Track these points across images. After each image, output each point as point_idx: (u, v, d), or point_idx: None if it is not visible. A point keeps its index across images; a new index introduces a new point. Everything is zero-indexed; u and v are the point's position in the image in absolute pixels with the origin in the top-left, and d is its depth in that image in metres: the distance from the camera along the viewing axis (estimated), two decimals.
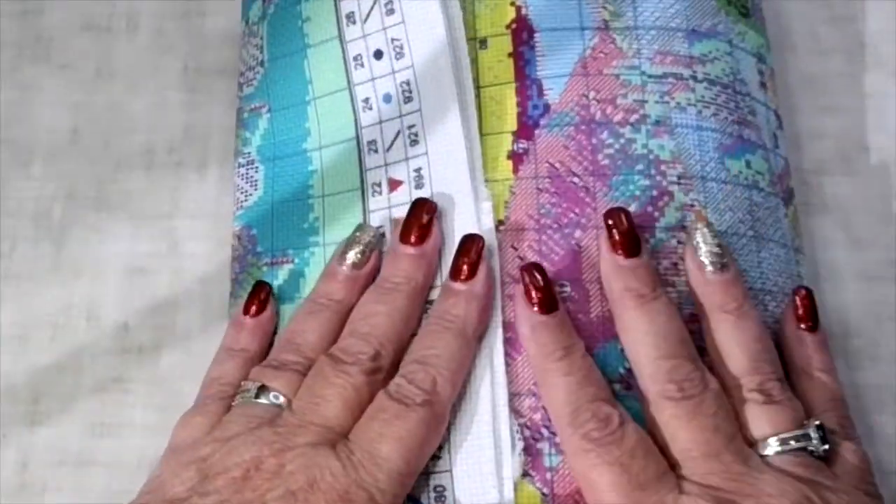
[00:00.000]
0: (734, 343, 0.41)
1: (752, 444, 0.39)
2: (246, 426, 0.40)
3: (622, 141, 0.44)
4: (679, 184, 0.43)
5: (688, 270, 0.42)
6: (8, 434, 0.50)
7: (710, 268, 0.42)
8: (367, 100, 0.47)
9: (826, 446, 0.40)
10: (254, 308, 0.46)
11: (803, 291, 0.44)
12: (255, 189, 0.50)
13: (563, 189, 0.43)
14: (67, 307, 0.52)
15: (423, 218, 0.43)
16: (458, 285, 0.42)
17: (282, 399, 0.41)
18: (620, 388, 0.41)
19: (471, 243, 0.42)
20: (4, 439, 0.50)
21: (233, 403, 0.43)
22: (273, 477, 0.37)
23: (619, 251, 0.41)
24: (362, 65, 0.48)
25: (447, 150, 0.44)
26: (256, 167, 0.50)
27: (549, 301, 0.41)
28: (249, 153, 0.50)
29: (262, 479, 0.38)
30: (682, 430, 0.39)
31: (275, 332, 0.47)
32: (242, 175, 0.50)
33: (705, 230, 0.42)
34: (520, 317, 0.42)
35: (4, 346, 0.51)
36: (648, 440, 0.39)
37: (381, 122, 0.47)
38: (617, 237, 0.41)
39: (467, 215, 0.44)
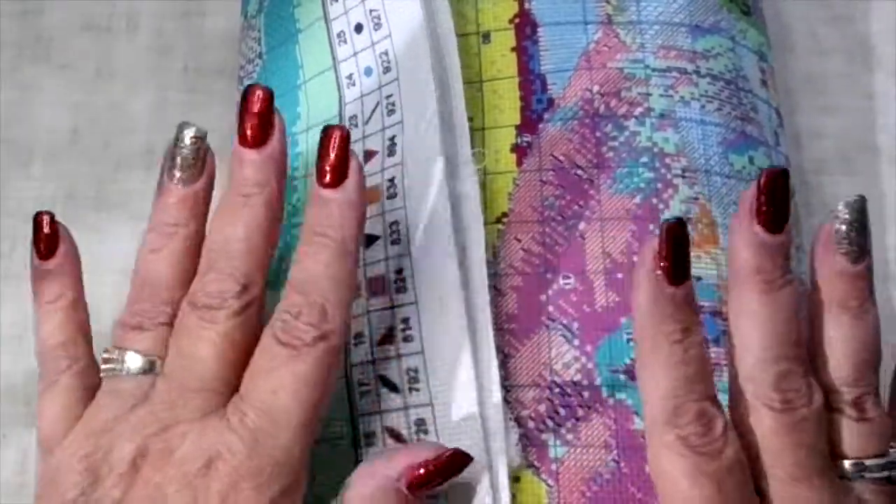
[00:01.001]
0: (842, 347, 0.36)
1: (835, 458, 0.36)
2: (120, 409, 0.36)
3: (626, 134, 0.44)
4: (683, 177, 0.43)
5: (814, 252, 0.36)
6: (8, 434, 0.50)
7: (846, 257, 0.36)
8: (350, 76, 0.47)
9: None
10: (46, 250, 0.40)
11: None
12: None
13: (567, 181, 0.43)
14: None
15: (255, 107, 0.37)
16: (327, 192, 0.37)
17: (149, 363, 0.37)
18: (626, 379, 0.41)
19: (329, 137, 0.37)
20: (4, 439, 0.50)
21: (101, 375, 0.38)
22: (164, 465, 0.34)
23: (763, 222, 0.35)
24: (345, 41, 0.47)
25: (421, 116, 0.43)
26: None
27: (683, 271, 0.35)
28: None
29: (152, 470, 0.34)
30: (777, 446, 0.34)
31: None
32: None
33: (850, 212, 0.36)
34: (641, 282, 0.35)
35: (4, 347, 0.51)
36: (744, 456, 0.35)
37: (362, 96, 0.46)
38: (766, 206, 0.34)
39: (438, 182, 0.42)
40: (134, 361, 0.37)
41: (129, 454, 0.35)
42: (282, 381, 0.35)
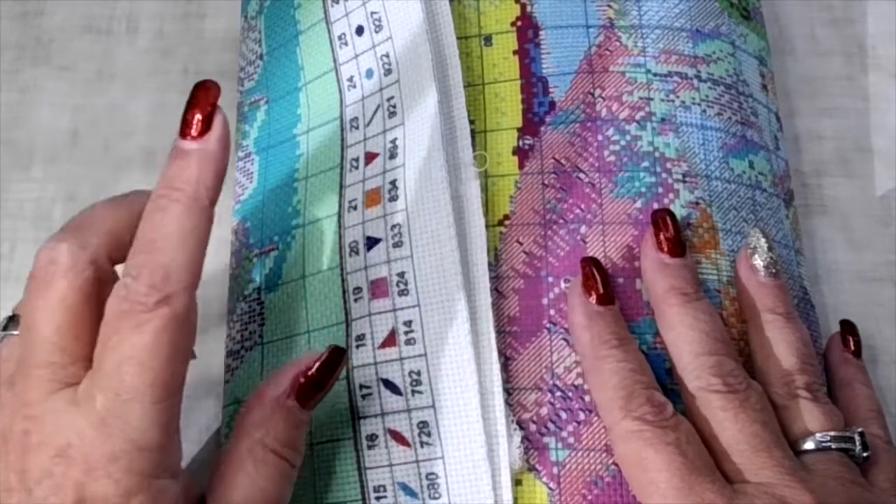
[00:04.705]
0: (784, 342, 0.41)
1: (792, 441, 0.39)
2: None
3: (628, 138, 0.44)
4: (684, 181, 0.43)
5: (740, 272, 0.43)
6: None
7: (766, 271, 0.42)
8: (351, 78, 0.47)
9: (866, 453, 0.40)
10: None
11: (851, 324, 0.47)
12: (251, 181, 0.50)
13: (569, 185, 0.43)
14: None
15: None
16: (187, 143, 0.35)
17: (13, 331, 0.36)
18: None
19: (202, 92, 0.36)
20: None
21: None
22: (24, 452, 0.33)
23: (665, 250, 0.41)
24: (346, 43, 0.47)
25: (422, 119, 0.43)
26: (252, 159, 0.50)
27: (608, 294, 0.41)
28: (247, 146, 0.50)
29: (14, 455, 0.33)
30: (730, 421, 0.38)
31: None
32: (240, 169, 0.50)
33: (762, 238, 0.43)
34: (576, 306, 0.41)
35: None
36: (698, 436, 0.39)
37: (363, 98, 0.46)
38: (663, 237, 0.41)
39: (440, 184, 0.42)
40: (12, 324, 0.37)
41: None
42: (125, 355, 0.33)
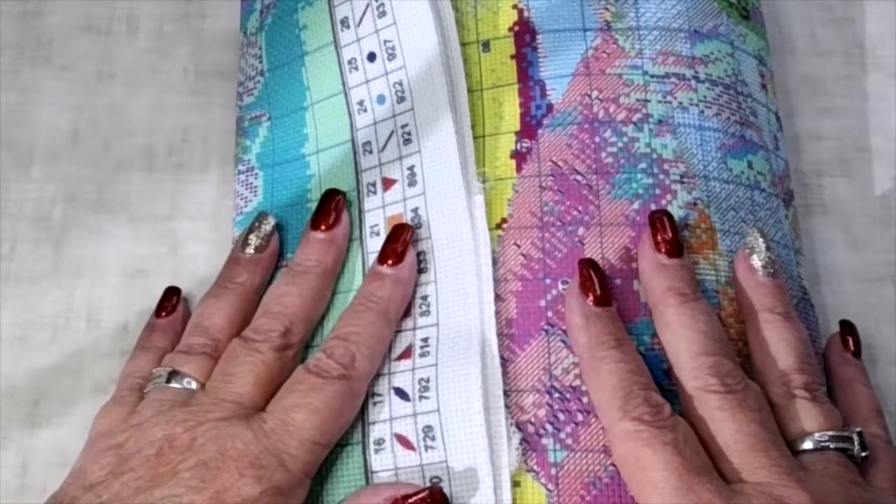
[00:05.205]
0: (783, 342, 0.41)
1: (790, 441, 0.40)
2: (158, 409, 0.41)
3: (625, 139, 0.44)
4: (682, 182, 0.43)
5: (738, 272, 0.43)
6: (8, 436, 0.50)
7: (764, 270, 0.42)
8: (361, 102, 0.48)
9: (865, 453, 0.40)
10: (164, 312, 0.49)
11: (850, 324, 0.48)
12: (255, 195, 0.50)
13: (567, 187, 0.43)
14: (67, 309, 0.52)
15: (332, 206, 0.45)
16: (384, 269, 0.43)
17: (193, 383, 0.42)
18: None
19: (400, 231, 0.44)
20: (4, 441, 0.50)
21: (145, 391, 0.44)
22: (185, 451, 0.38)
23: (663, 251, 0.42)
24: (357, 68, 0.48)
25: (439, 148, 0.45)
26: (256, 173, 0.50)
27: (605, 295, 0.41)
28: (249, 160, 0.51)
29: (175, 454, 0.38)
30: (727, 421, 0.38)
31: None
32: (242, 182, 0.51)
33: (760, 237, 0.43)
34: (574, 308, 0.41)
35: (4, 348, 0.51)
36: (696, 436, 0.39)
37: (375, 123, 0.47)
38: (661, 238, 0.42)
39: (459, 211, 0.44)
40: (178, 379, 0.43)
41: (158, 441, 0.39)
42: (303, 400, 0.40)
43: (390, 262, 0.43)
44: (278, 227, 0.47)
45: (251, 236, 0.47)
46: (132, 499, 0.37)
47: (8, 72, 0.57)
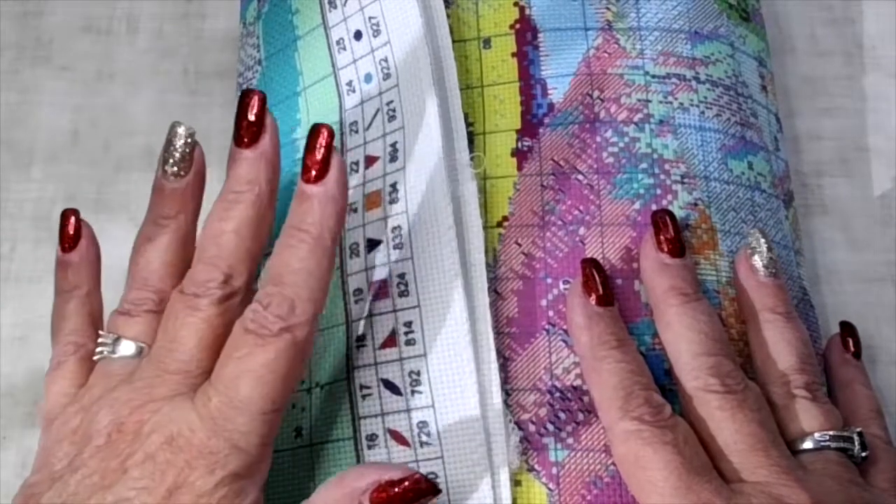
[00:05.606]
0: (784, 342, 0.41)
1: (790, 441, 0.40)
2: (105, 388, 0.38)
3: (626, 139, 0.44)
4: (683, 183, 0.44)
5: (739, 272, 0.43)
6: (8, 436, 0.50)
7: (766, 271, 0.42)
8: (350, 82, 0.47)
9: (865, 453, 0.40)
10: (68, 244, 0.43)
11: (850, 325, 0.47)
12: None
13: (568, 186, 0.43)
14: None
15: (249, 113, 0.39)
16: (309, 188, 0.38)
17: (139, 349, 0.39)
18: None
19: (316, 136, 0.38)
20: (4, 441, 0.50)
21: (94, 358, 0.41)
22: (133, 439, 0.36)
23: (666, 251, 0.41)
24: (344, 48, 0.48)
25: (423, 123, 0.44)
26: None
27: (607, 295, 0.41)
28: None
29: (124, 443, 0.36)
30: (727, 421, 0.38)
31: None
32: None
33: (761, 238, 0.43)
34: (575, 307, 0.41)
35: (5, 348, 0.51)
36: (696, 436, 0.39)
37: (362, 102, 0.47)
38: (663, 237, 0.41)
39: (440, 187, 0.42)
40: (124, 347, 0.40)
41: (106, 428, 0.37)
42: (245, 368, 0.36)
43: (313, 174, 0.38)
44: (194, 139, 0.41)
45: (166, 155, 0.41)
46: (87, 501, 0.36)
47: (8, 72, 0.57)
